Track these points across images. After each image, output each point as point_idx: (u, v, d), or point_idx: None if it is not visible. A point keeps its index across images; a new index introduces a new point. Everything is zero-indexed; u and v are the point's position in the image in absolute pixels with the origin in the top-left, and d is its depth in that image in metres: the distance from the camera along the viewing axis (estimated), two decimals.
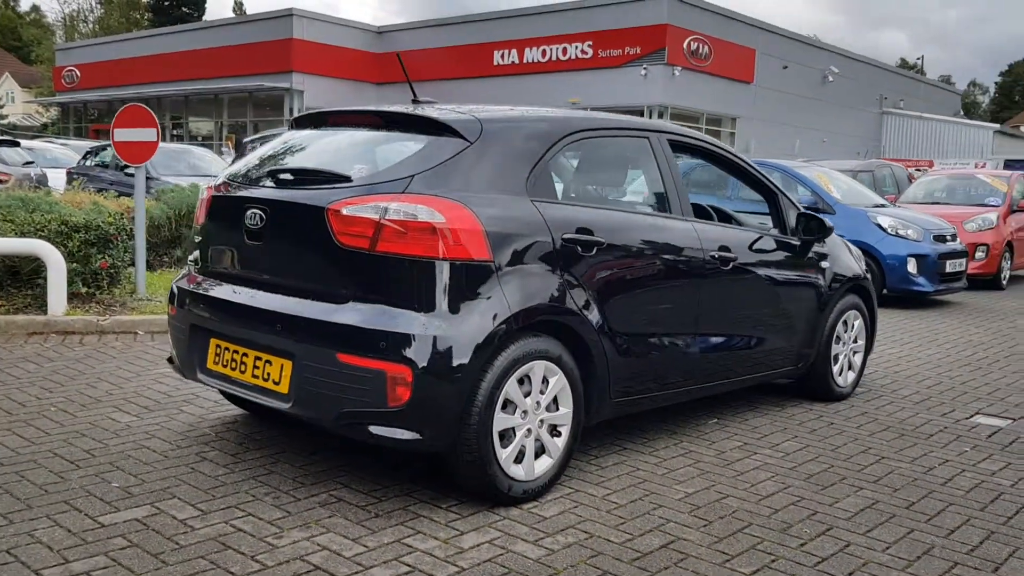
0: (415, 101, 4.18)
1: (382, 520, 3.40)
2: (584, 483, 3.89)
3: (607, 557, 3.16)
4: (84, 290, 7.15)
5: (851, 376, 5.69)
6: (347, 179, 3.60)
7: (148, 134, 7.44)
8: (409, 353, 3.25)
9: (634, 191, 4.33)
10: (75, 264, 7.00)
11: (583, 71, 29.32)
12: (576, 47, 29.47)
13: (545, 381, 3.64)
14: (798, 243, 5.14)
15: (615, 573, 3.04)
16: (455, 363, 3.30)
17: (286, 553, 3.09)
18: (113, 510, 3.40)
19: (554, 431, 3.73)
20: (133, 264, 7.75)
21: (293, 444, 4.24)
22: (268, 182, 3.83)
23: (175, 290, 4.16)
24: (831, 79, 35.23)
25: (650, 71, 27.82)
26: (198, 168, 14.36)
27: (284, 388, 3.55)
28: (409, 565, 3.04)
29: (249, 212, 3.73)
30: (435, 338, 3.27)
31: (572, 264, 3.73)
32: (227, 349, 3.82)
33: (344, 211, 3.43)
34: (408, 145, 3.71)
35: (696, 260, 4.38)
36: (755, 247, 4.81)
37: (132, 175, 13.44)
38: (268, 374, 3.62)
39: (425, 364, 3.24)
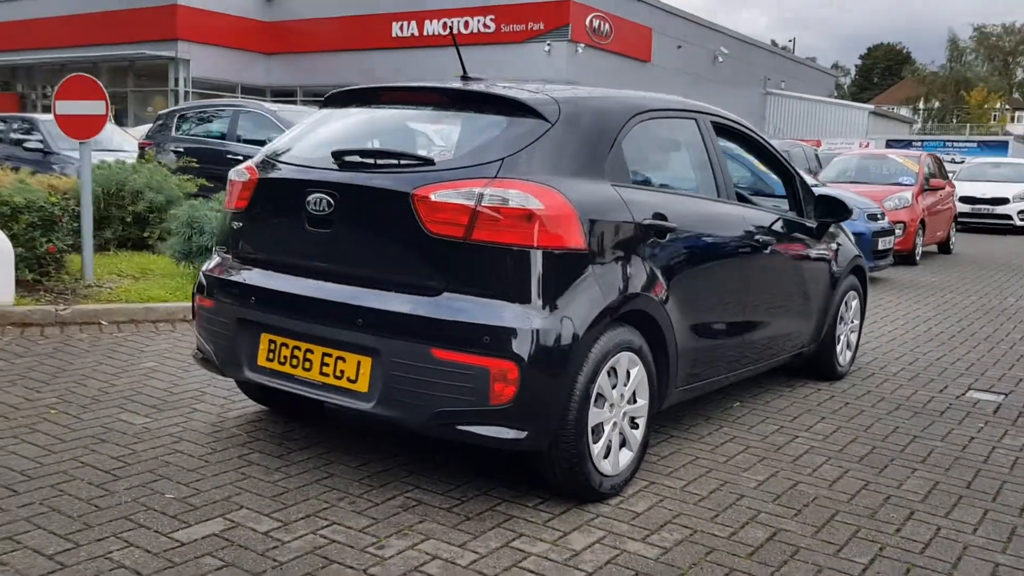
0: (465, 77, 3.96)
1: (476, 523, 3.23)
2: (654, 475, 3.81)
3: (723, 553, 3.10)
4: (30, 277, 6.57)
5: (848, 355, 5.81)
6: (428, 162, 3.37)
7: (95, 107, 6.88)
8: (514, 348, 3.08)
9: (689, 175, 4.25)
10: (19, 248, 6.42)
11: (485, 46, 28.97)
12: (478, 21, 29.11)
13: (627, 373, 3.53)
14: (815, 225, 5.18)
15: (740, 570, 2.98)
16: (560, 357, 3.15)
17: (398, 565, 2.89)
18: (183, 524, 3.11)
19: (632, 423, 3.62)
20: (74, 248, 7.19)
21: (334, 442, 3.99)
22: (331, 164, 3.54)
23: (209, 280, 3.83)
24: (721, 60, 36.10)
25: (553, 47, 27.79)
26: (100, 143, 13.49)
27: (363, 386, 3.31)
28: (532, 571, 2.89)
29: (313, 197, 3.45)
30: (539, 331, 3.11)
31: (651, 251, 3.63)
32: (284, 345, 3.54)
33: (433, 197, 3.21)
34: (486, 126, 3.51)
35: (745, 244, 4.35)
36: (784, 230, 4.82)
37: (32, 149, 12.67)
38: (341, 371, 3.37)
39: (531, 359, 3.08)
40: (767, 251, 4.54)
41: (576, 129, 3.50)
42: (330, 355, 3.41)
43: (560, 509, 3.39)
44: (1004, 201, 19.89)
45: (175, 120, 12.01)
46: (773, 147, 5.06)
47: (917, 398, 5.33)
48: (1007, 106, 79.17)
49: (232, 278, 3.72)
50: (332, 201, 3.41)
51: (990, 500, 3.71)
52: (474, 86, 3.71)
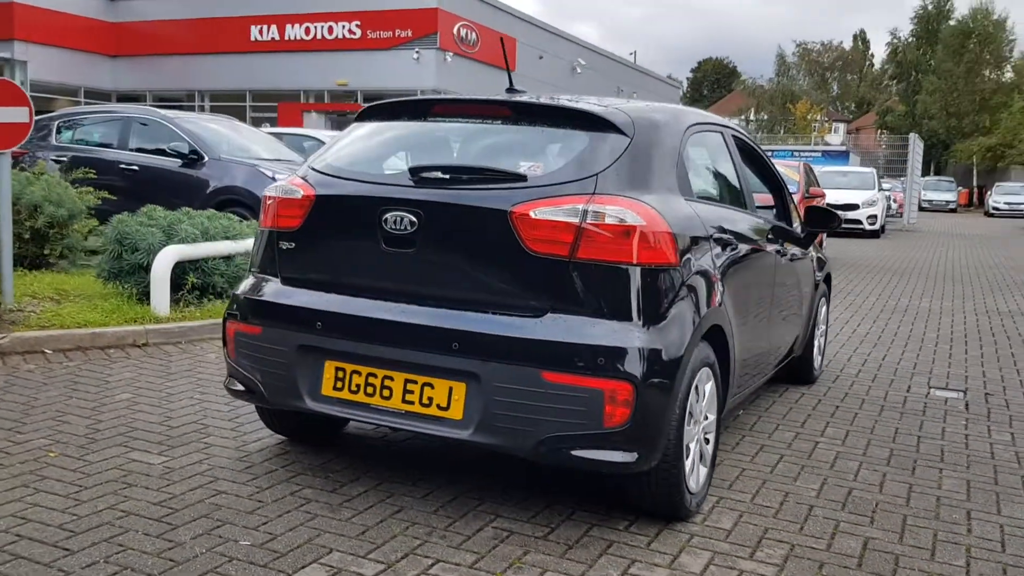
0: (511, 90, 3.84)
1: (582, 551, 3.12)
2: (716, 489, 3.80)
3: (834, 567, 3.11)
4: None
5: (819, 359, 6.03)
6: (520, 178, 3.23)
7: (18, 114, 6.26)
8: (628, 368, 2.99)
9: (726, 186, 4.27)
10: None
11: (351, 52, 28.49)
12: (343, 26, 28.54)
13: (704, 389, 3.51)
14: (804, 235, 5.34)
15: None
16: (670, 375, 3.09)
17: None
18: (284, 573, 2.85)
19: (705, 438, 3.61)
20: None
21: (379, 471, 3.77)
22: (407, 180, 3.33)
23: (254, 305, 3.54)
24: (579, 71, 36.94)
25: (423, 55, 27.61)
26: None
27: (456, 413, 3.14)
28: None
29: (392, 215, 3.24)
30: (651, 350, 3.04)
31: (716, 264, 3.62)
32: (356, 373, 3.31)
33: (533, 214, 3.09)
34: (566, 140, 3.41)
35: (769, 254, 4.43)
36: (788, 239, 4.94)
37: None
38: (429, 399, 3.18)
39: (645, 379, 3.00)
40: (783, 260, 4.65)
41: (651, 143, 3.45)
42: (415, 382, 3.21)
43: (652, 530, 3.32)
44: (855, 207, 21.40)
45: (55, 127, 11.09)
46: (767, 157, 5.18)
47: (893, 398, 5.58)
48: (826, 118, 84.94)
49: (289, 302, 3.45)
50: (415, 220, 3.21)
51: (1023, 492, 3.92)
52: (543, 99, 3.60)
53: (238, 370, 3.60)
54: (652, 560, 3.08)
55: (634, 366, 2.99)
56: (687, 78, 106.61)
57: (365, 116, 3.83)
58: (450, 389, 3.15)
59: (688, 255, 3.34)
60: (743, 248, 4.05)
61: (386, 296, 3.30)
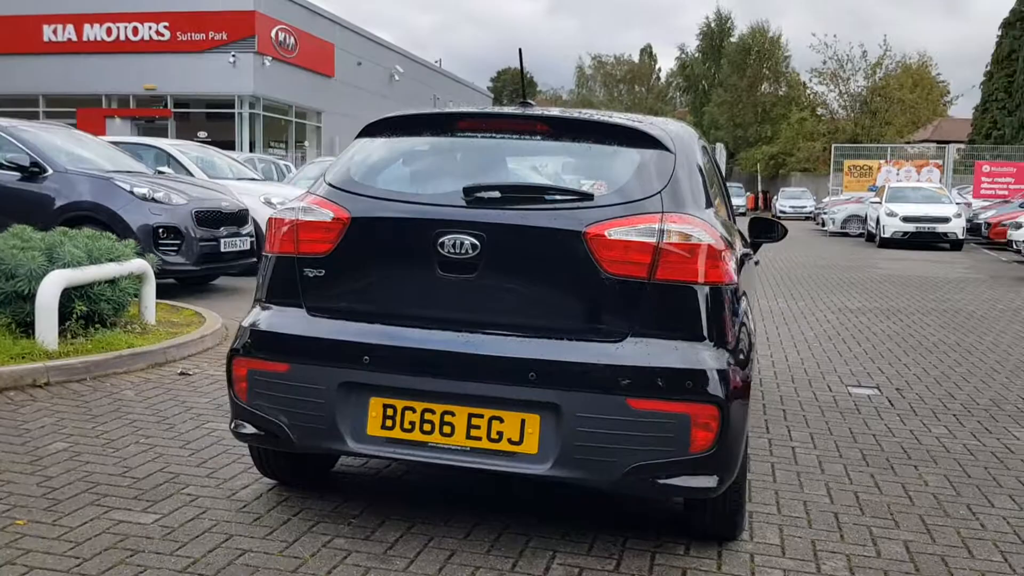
0: (523, 103, 3.68)
1: None
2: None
3: (899, 573, 3.19)
4: None
5: None
6: (586, 196, 3.09)
7: None
8: (714, 391, 2.93)
9: (719, 198, 4.29)
10: None
11: (159, 54, 26.83)
12: (150, 27, 26.83)
13: None
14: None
15: None
16: (744, 395, 3.05)
17: None
18: None
19: None
20: None
21: (402, 512, 3.51)
22: (459, 201, 3.10)
23: (274, 338, 3.19)
24: (397, 78, 36.66)
25: (240, 59, 26.42)
26: None
27: (531, 448, 2.96)
28: None
29: (450, 239, 3.01)
30: (731, 371, 2.99)
31: (742, 278, 3.63)
32: (409, 409, 3.05)
33: (609, 235, 2.96)
34: (616, 157, 3.30)
35: (751, 263, 4.51)
36: (750, 246, 5.05)
37: None
38: (499, 433, 2.98)
39: (728, 401, 2.95)
40: (755, 267, 4.75)
41: (688, 158, 3.40)
42: (480, 416, 3.00)
43: (711, 552, 3.28)
44: None
45: None
46: (718, 166, 5.29)
47: (824, 399, 5.84)
48: None
49: (327, 335, 3.13)
50: (477, 243, 3.00)
51: (997, 486, 4.19)
52: (580, 114, 3.46)
53: (253, 412, 3.23)
54: None
55: (718, 388, 2.93)
56: (487, 87, 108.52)
57: (377, 130, 3.54)
58: (522, 422, 2.97)
59: (739, 272, 3.33)
60: (743, 259, 4.09)
61: (443, 325, 3.06)
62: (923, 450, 4.72)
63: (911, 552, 3.37)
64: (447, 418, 3.02)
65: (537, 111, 3.48)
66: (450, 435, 3.02)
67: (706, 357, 2.96)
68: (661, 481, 2.93)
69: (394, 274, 3.13)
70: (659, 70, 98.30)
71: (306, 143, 31.57)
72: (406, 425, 3.05)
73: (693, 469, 2.94)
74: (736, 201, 47.23)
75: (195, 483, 3.77)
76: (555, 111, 3.57)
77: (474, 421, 3.00)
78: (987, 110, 58.31)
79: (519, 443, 2.97)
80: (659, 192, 3.12)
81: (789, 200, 45.16)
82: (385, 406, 3.07)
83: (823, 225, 29.64)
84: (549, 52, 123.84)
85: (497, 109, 3.51)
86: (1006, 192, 28.33)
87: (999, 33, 59.57)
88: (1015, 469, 4.44)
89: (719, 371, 2.95)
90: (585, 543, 3.30)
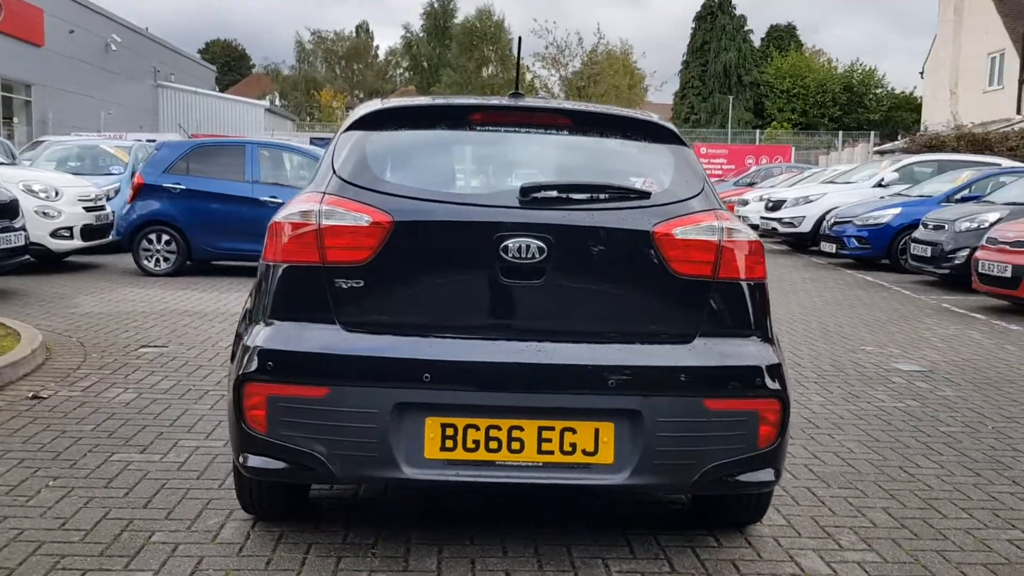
0: (516, 94, 3.50)
1: None
2: None
3: (929, 552, 3.43)
4: None
5: None
6: (643, 195, 2.99)
7: None
8: (776, 385, 2.97)
9: None
10: None
11: None
12: None
13: None
14: None
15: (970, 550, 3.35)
16: (788, 388, 3.13)
17: None
18: None
19: None
20: None
21: (416, 533, 3.26)
22: (512, 202, 2.88)
23: (305, 358, 2.81)
24: (114, 48, 33.56)
25: None
26: None
27: (607, 458, 2.84)
28: None
29: (513, 243, 2.80)
30: (782, 366, 3.06)
31: None
32: (473, 427, 2.81)
33: (677, 234, 2.91)
34: (649, 153, 3.23)
35: None
36: None
37: None
38: (572, 445, 2.84)
39: (787, 395, 3.02)
40: None
41: (696, 157, 3.42)
42: (551, 428, 2.83)
43: (739, 540, 3.34)
44: None
45: None
46: None
47: None
48: (347, 108, 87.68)
49: (379, 353, 2.80)
50: (544, 246, 2.82)
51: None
52: (599, 108, 3.34)
53: (277, 444, 2.84)
54: (786, 571, 3.11)
55: (779, 383, 2.98)
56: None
57: (379, 121, 3.19)
58: (596, 431, 2.84)
59: None
60: None
61: (508, 335, 2.85)
62: (882, 421, 5.10)
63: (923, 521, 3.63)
64: (515, 433, 2.83)
65: (553, 105, 3.34)
66: (519, 451, 2.83)
67: (764, 353, 3.00)
68: (733, 479, 2.94)
69: (449, 282, 2.87)
70: (376, 47, 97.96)
71: (15, 119, 28.08)
72: (469, 444, 2.82)
73: (759, 464, 2.97)
74: None
75: (159, 528, 3.25)
76: (567, 104, 3.42)
77: (545, 434, 2.84)
78: (685, 96, 64.13)
79: (594, 454, 2.85)
80: (702, 190, 3.10)
81: None
82: (444, 425, 2.82)
83: None
84: (262, 22, 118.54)
85: (514, 101, 3.29)
86: (720, 172, 31.25)
87: (693, 26, 65.58)
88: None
89: (776, 366, 3.00)
90: (621, 548, 3.24)
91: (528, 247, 2.81)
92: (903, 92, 57.96)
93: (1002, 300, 9.50)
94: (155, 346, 6.46)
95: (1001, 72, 30.10)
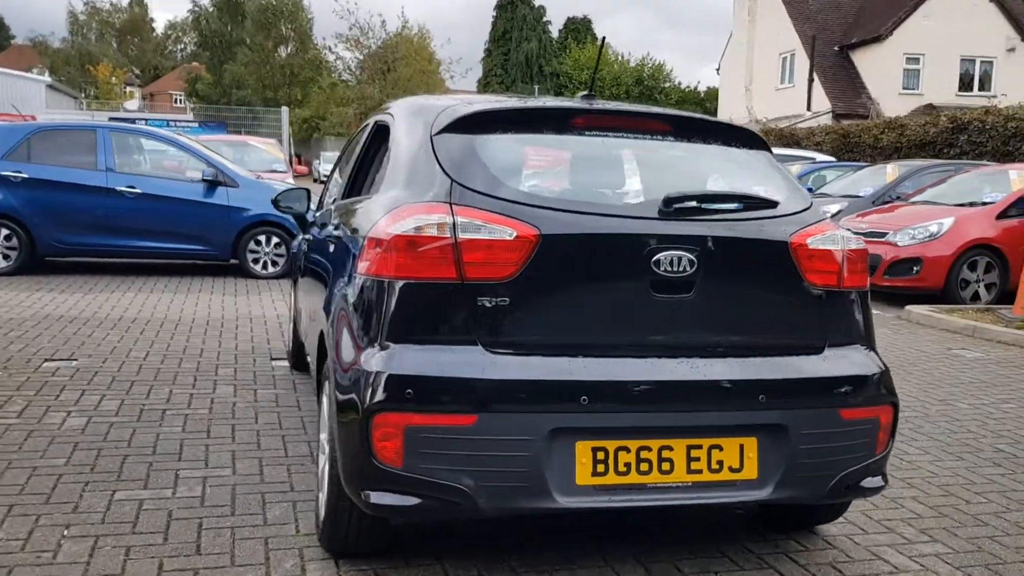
0: (589, 95, 3.36)
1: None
2: None
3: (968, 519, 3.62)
4: None
5: None
6: (770, 204, 2.94)
7: None
8: (891, 392, 3.04)
9: None
10: None
11: None
12: None
13: None
14: None
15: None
16: None
17: None
18: None
19: None
20: None
21: (510, 562, 3.09)
22: (651, 213, 2.75)
23: (449, 385, 2.57)
24: None
25: None
26: None
27: (751, 473, 2.80)
28: None
29: (666, 256, 2.68)
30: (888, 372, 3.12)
31: None
32: (623, 449, 2.68)
33: (810, 244, 2.89)
34: (754, 161, 3.20)
35: None
36: None
37: None
38: (719, 463, 2.76)
39: (898, 400, 3.08)
40: None
41: None
42: (699, 447, 2.75)
43: (818, 541, 3.41)
44: None
45: None
46: None
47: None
48: (127, 85, 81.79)
49: (534, 376, 2.58)
50: (694, 259, 2.71)
51: None
52: (694, 115, 3.24)
53: (416, 478, 2.57)
54: (882, 569, 3.20)
55: (892, 389, 3.05)
56: None
57: (478, 124, 2.93)
58: (741, 447, 2.79)
59: None
60: None
61: (659, 353, 2.73)
62: None
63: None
64: (665, 454, 2.72)
65: (654, 110, 3.23)
66: (669, 472, 2.72)
67: (878, 360, 3.06)
68: (856, 486, 2.98)
69: (597, 298, 2.69)
70: (153, 21, 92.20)
71: None
72: (621, 468, 2.68)
73: (876, 470, 3.03)
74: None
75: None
76: (665, 109, 3.31)
77: (693, 453, 2.75)
78: (488, 84, 64.93)
79: (739, 470, 2.79)
80: (811, 200, 3.11)
81: (329, 164, 45.87)
82: (595, 449, 2.66)
83: None
84: None
85: (615, 105, 3.15)
86: None
87: (495, 14, 66.46)
88: None
89: (888, 372, 3.07)
90: (720, 557, 3.21)
91: (680, 260, 2.71)
92: (688, 87, 61.54)
93: None
94: (60, 359, 5.73)
95: (792, 71, 32.63)
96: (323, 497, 3.10)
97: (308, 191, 5.14)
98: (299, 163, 53.66)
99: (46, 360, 5.69)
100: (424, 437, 2.57)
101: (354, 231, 3.12)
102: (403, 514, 2.67)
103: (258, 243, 10.13)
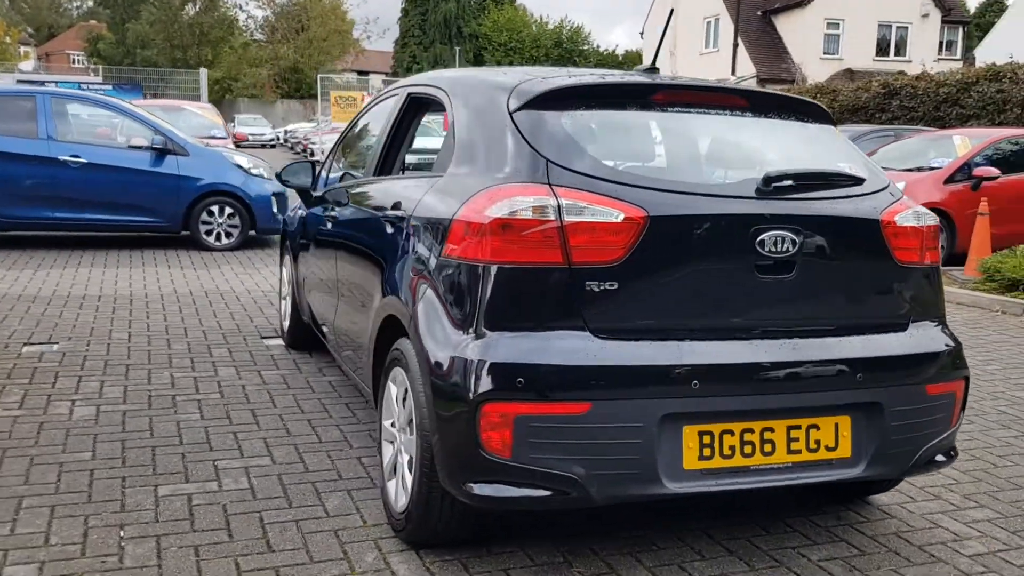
0: (652, 68, 3.28)
1: (890, 551, 3.15)
2: None
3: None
4: None
5: None
6: (857, 181, 2.92)
7: None
8: (965, 366, 3.08)
9: None
10: None
11: None
12: None
13: None
14: None
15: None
16: None
17: None
18: None
19: None
20: None
21: (617, 544, 3.05)
22: (749, 192, 2.70)
23: (562, 372, 2.49)
24: None
25: None
26: None
27: (845, 451, 2.81)
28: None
29: (769, 236, 2.64)
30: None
31: None
32: (728, 432, 2.65)
33: (897, 221, 2.90)
34: (827, 138, 3.18)
35: None
36: None
37: None
38: (816, 442, 2.76)
39: (968, 373, 3.13)
40: None
41: None
42: (798, 427, 2.74)
43: (875, 512, 3.46)
44: None
45: None
46: None
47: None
48: (21, 45, 77.55)
49: (646, 361, 2.52)
50: (797, 239, 2.68)
51: None
52: (764, 90, 3.19)
53: (527, 468, 2.50)
54: (944, 537, 3.27)
55: (966, 362, 3.09)
56: None
57: (564, 100, 2.82)
58: (836, 426, 2.79)
59: None
60: None
61: (762, 334, 2.70)
62: None
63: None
64: (767, 435, 2.70)
65: (731, 85, 3.17)
66: (771, 453, 2.71)
67: (952, 335, 3.09)
68: (933, 460, 3.02)
69: (702, 280, 2.64)
70: None
71: None
72: (725, 451, 2.66)
73: (949, 443, 3.08)
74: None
75: (321, 574, 2.76)
76: (738, 85, 3.25)
77: (793, 434, 2.74)
78: (406, 45, 63.78)
79: (835, 449, 2.80)
80: (887, 178, 3.11)
81: (247, 127, 44.40)
82: (701, 433, 2.63)
83: (312, 155, 29.87)
84: None
85: (693, 80, 3.07)
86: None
87: None
88: None
89: (960, 346, 3.10)
90: (796, 534, 3.23)
91: (783, 240, 2.68)
92: (606, 50, 61.74)
93: None
94: (39, 343, 5.42)
95: (716, 36, 33.01)
96: (397, 487, 3.00)
97: (313, 163, 4.93)
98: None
99: (25, 344, 5.38)
100: (535, 426, 2.49)
101: (424, 212, 2.98)
102: (509, 505, 2.59)
103: (211, 214, 9.75)
